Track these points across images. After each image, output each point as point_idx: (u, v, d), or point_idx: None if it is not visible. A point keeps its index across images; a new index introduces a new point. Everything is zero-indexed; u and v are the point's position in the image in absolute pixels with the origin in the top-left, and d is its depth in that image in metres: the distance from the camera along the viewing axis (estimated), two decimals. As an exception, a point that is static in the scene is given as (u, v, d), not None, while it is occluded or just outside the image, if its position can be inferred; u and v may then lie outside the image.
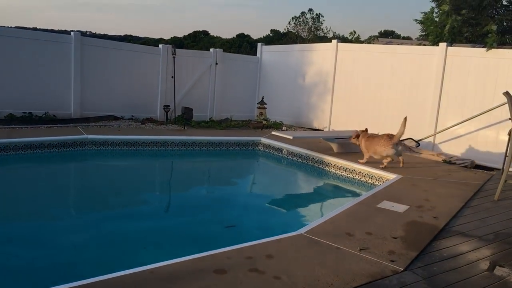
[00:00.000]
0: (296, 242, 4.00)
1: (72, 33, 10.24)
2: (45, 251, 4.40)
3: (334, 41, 11.48)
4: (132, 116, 11.17)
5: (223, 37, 55.48)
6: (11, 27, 11.67)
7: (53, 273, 3.98)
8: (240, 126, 11.40)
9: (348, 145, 8.45)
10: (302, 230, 4.25)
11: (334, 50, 11.32)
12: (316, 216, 6.20)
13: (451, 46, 9.33)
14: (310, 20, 41.03)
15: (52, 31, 28.08)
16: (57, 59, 10.07)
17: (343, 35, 40.06)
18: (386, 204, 5.32)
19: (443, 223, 4.77)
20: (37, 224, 5.15)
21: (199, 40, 53.65)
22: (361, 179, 7.47)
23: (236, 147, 9.37)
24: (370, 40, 14.73)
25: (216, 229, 5.29)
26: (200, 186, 7.71)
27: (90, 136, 8.34)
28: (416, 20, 15.30)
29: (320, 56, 11.84)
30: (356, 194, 7.05)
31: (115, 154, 8.42)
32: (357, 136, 7.95)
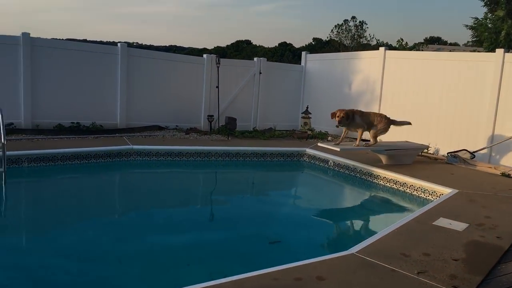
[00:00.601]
0: (348, 262, 3.76)
1: (118, 44, 10.40)
2: (87, 264, 4.35)
3: (382, 49, 11.13)
4: (177, 126, 11.21)
5: (265, 46, 55.80)
6: (62, 39, 12.00)
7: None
8: (284, 136, 11.21)
9: (399, 156, 8.10)
10: (353, 250, 4.00)
11: (381, 57, 10.96)
12: (366, 232, 5.89)
13: (508, 52, 8.79)
14: (353, 27, 40.49)
15: (101, 42, 29.02)
16: (104, 70, 10.26)
17: (387, 42, 39.31)
18: (443, 222, 4.97)
19: (508, 243, 4.39)
20: (82, 236, 5.14)
21: (241, 49, 54.16)
22: (413, 193, 7.09)
23: (280, 158, 9.18)
24: (419, 47, 14.20)
25: (260, 245, 5.10)
26: (243, 198, 7.56)
27: (135, 147, 8.39)
28: (467, 25, 14.70)
29: (366, 64, 11.50)
30: (407, 209, 6.69)
31: (159, 165, 8.42)
32: (346, 116, 7.91)
